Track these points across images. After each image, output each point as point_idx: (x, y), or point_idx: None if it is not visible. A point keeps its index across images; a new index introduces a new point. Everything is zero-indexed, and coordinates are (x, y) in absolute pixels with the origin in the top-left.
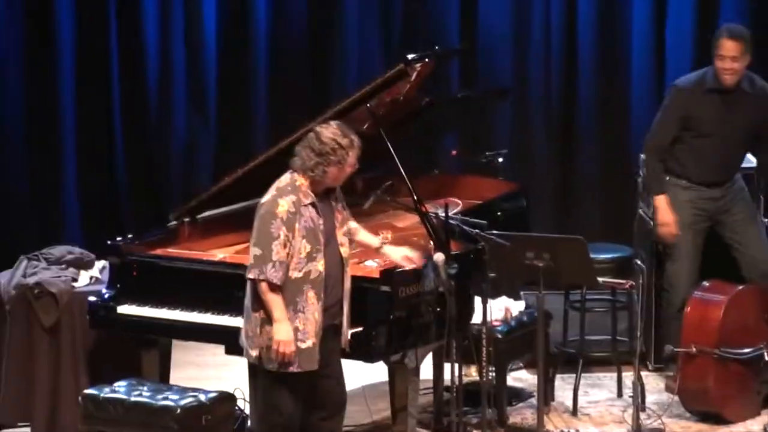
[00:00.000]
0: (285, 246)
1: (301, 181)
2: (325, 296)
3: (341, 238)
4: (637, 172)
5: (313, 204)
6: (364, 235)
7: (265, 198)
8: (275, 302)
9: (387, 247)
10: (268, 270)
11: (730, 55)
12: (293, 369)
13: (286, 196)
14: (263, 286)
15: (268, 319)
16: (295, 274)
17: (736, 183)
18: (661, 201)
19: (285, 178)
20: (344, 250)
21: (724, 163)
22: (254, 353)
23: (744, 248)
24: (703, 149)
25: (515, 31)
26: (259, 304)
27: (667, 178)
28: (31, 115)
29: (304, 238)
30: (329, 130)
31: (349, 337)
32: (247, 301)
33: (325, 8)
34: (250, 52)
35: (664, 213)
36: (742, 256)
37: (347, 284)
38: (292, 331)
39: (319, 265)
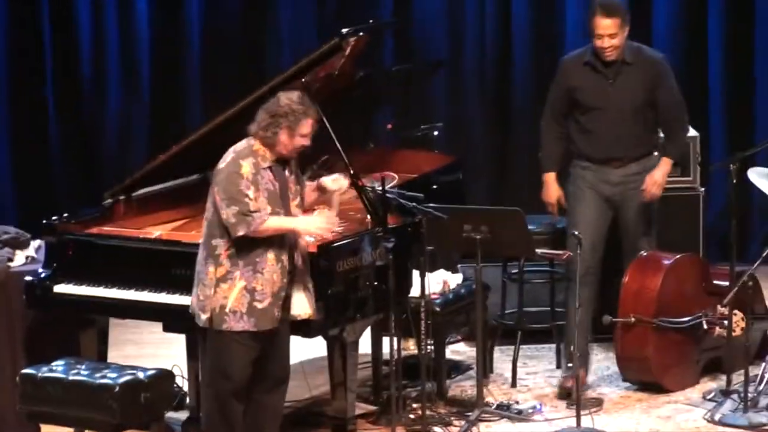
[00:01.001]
0: (256, 200)
1: (258, 146)
2: (288, 263)
3: (294, 209)
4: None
5: (270, 168)
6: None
7: (224, 162)
8: (277, 224)
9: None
10: (255, 222)
11: (607, 33)
12: (249, 327)
13: (246, 158)
14: (258, 230)
15: (224, 278)
16: (271, 223)
17: (640, 173)
18: (546, 178)
19: (242, 144)
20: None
21: (615, 136)
22: (205, 316)
23: (626, 240)
24: (591, 124)
25: (449, 4)
26: (215, 263)
27: (575, 159)
28: None
29: (266, 199)
30: (288, 95)
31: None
32: (199, 266)
33: None
34: (183, 32)
35: (546, 191)
36: (627, 246)
37: (304, 253)
38: (249, 292)
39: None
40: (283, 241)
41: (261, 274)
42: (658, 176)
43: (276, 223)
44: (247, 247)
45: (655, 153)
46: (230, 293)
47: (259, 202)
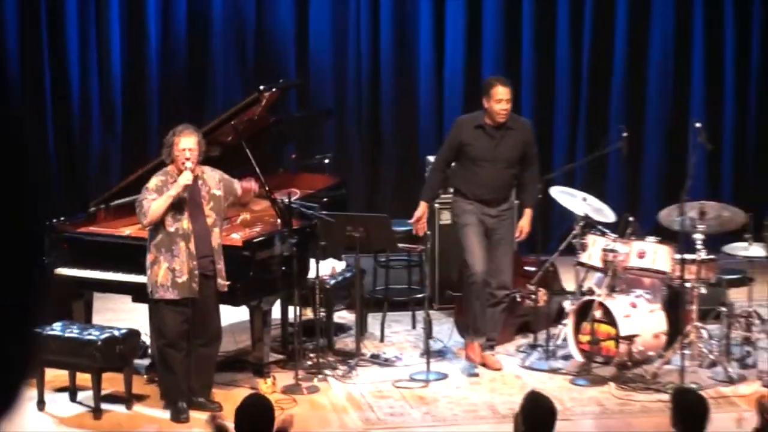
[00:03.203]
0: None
1: (171, 167)
2: (195, 248)
3: (207, 210)
4: (424, 170)
5: (175, 181)
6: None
7: None
8: (160, 202)
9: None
10: (143, 209)
11: (505, 98)
12: (172, 296)
13: (157, 177)
14: (148, 215)
15: (154, 261)
16: (170, 229)
17: (508, 210)
18: (421, 206)
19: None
20: (209, 219)
21: (494, 185)
22: (149, 290)
23: (492, 261)
24: (477, 174)
25: (336, 67)
26: (149, 251)
27: (458, 197)
28: None
29: (171, 204)
30: (170, 132)
31: (225, 284)
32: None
33: (199, 56)
34: (146, 86)
35: (417, 214)
36: (490, 264)
37: (215, 243)
38: (171, 270)
39: (185, 224)
40: (190, 236)
41: (178, 258)
42: (527, 225)
43: (158, 201)
44: (166, 239)
45: (514, 193)
46: (159, 272)
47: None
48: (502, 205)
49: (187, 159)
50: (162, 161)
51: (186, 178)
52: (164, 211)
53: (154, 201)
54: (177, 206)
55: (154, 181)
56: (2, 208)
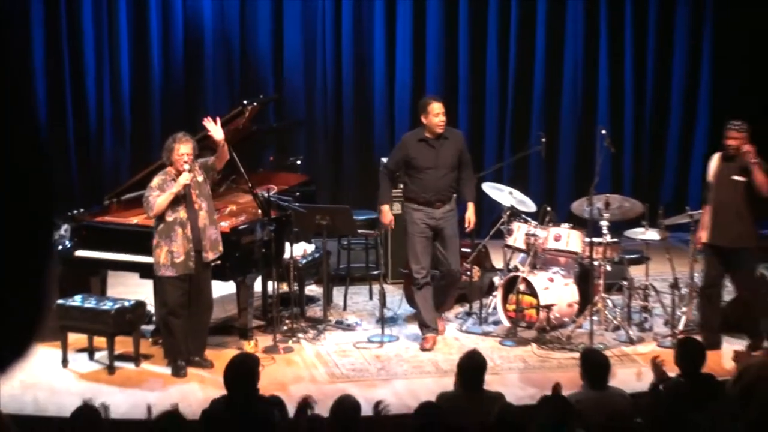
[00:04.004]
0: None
1: (169, 168)
2: (191, 233)
3: (198, 200)
4: (380, 170)
5: (173, 179)
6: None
7: None
8: (163, 198)
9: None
10: (149, 203)
11: (441, 112)
12: (172, 274)
13: (159, 176)
14: (153, 209)
15: (157, 245)
16: (168, 219)
17: (450, 212)
18: (384, 209)
19: (166, 169)
20: (196, 205)
21: (437, 187)
22: (154, 268)
23: (443, 257)
24: (423, 180)
25: (306, 85)
26: (154, 237)
27: (408, 203)
28: None
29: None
30: (170, 139)
31: (210, 257)
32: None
33: (194, 76)
34: (150, 101)
35: (384, 216)
36: (442, 260)
37: (201, 223)
38: (170, 252)
39: (182, 213)
40: (186, 223)
41: (175, 242)
42: (472, 216)
43: (162, 197)
44: (166, 227)
45: (455, 195)
46: (161, 254)
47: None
48: (445, 207)
49: (185, 162)
50: (162, 163)
51: (185, 178)
52: (166, 205)
53: (158, 197)
54: (175, 200)
55: (156, 180)
56: (26, 197)
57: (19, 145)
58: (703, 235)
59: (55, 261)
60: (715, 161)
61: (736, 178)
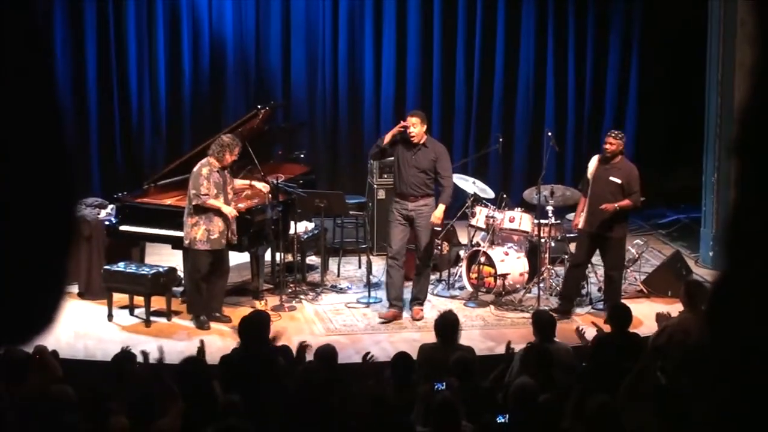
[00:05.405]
0: (207, 186)
1: (212, 160)
2: (225, 220)
3: (229, 191)
4: (367, 162)
5: (218, 171)
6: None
7: (195, 168)
8: (211, 203)
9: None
10: (201, 199)
11: (411, 124)
12: (207, 248)
13: (205, 166)
14: (205, 204)
15: (195, 224)
16: (210, 201)
17: (425, 207)
18: (386, 136)
19: (204, 160)
20: (229, 197)
21: (408, 183)
22: (187, 242)
23: (417, 243)
24: (401, 174)
25: (309, 93)
26: (190, 216)
27: (394, 196)
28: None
29: (215, 185)
30: (227, 137)
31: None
32: (184, 217)
33: (217, 84)
34: (182, 103)
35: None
36: (417, 247)
37: (233, 214)
38: (207, 230)
39: (221, 200)
40: (222, 214)
41: (212, 221)
42: (438, 214)
43: (211, 202)
44: (203, 209)
45: (432, 195)
46: (198, 231)
47: (208, 188)
48: (419, 201)
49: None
50: (195, 153)
51: (231, 213)
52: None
53: (211, 199)
54: (218, 186)
55: (204, 171)
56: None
57: (43, 133)
58: (579, 222)
59: (78, 236)
60: (594, 161)
61: (613, 179)
